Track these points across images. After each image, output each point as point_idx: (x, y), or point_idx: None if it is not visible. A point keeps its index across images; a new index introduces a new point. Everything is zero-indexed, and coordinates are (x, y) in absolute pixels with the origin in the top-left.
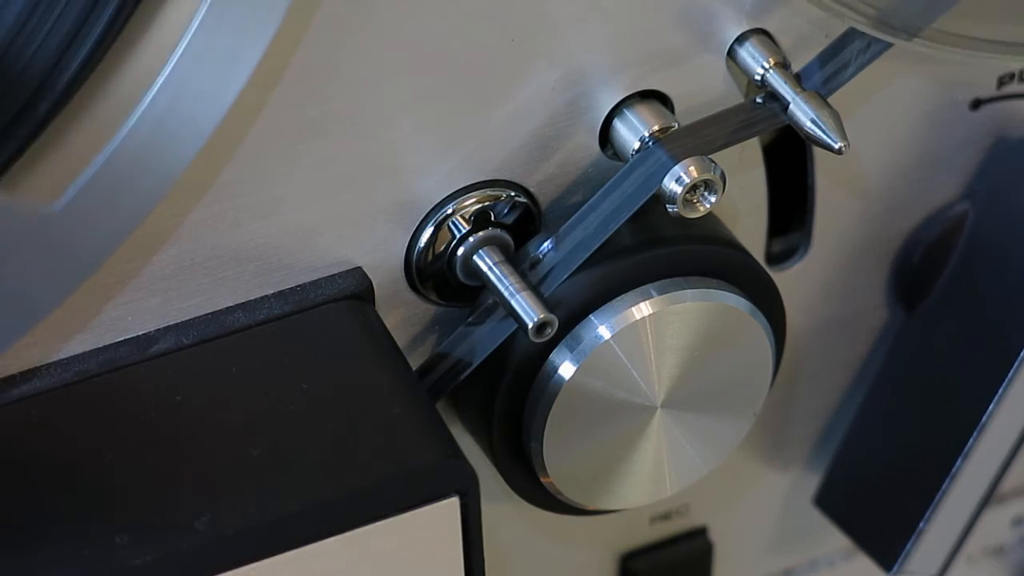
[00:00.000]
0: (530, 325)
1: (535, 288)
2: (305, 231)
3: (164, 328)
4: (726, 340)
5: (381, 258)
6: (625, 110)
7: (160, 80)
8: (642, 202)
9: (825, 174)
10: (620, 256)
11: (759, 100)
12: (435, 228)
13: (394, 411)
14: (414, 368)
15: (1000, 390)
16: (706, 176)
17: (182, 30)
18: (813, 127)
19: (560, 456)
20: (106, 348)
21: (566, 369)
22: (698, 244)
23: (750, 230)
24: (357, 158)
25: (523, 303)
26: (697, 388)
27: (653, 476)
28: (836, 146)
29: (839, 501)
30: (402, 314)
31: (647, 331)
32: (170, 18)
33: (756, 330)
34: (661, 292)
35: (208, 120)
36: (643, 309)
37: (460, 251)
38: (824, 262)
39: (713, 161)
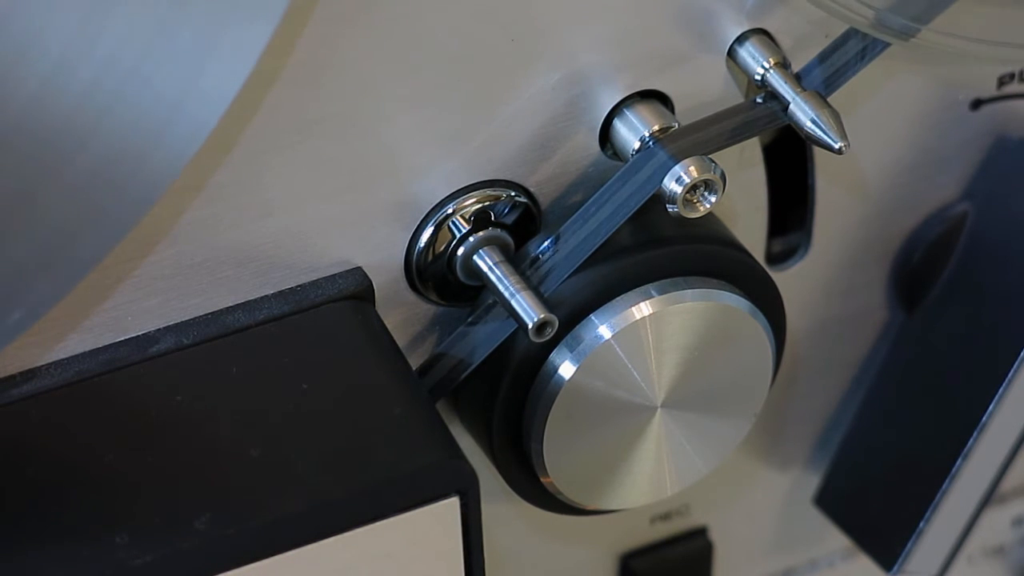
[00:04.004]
0: (530, 325)
1: (535, 288)
2: (305, 231)
3: (164, 328)
4: (726, 340)
5: (381, 258)
6: (625, 110)
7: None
8: (642, 202)
9: (825, 174)
10: (620, 256)
11: (759, 100)
12: (435, 228)
13: (394, 411)
14: (414, 368)
15: (1000, 390)
16: (706, 176)
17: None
18: (813, 127)
19: (560, 456)
20: (106, 348)
21: (566, 369)
22: (698, 244)
23: (750, 230)
24: (357, 158)
25: (523, 303)
26: (697, 388)
27: (653, 476)
28: (836, 146)
29: (839, 501)
30: (402, 314)
31: (647, 331)
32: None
33: (756, 330)
34: (661, 292)
35: (207, 119)
36: (643, 309)
37: (460, 251)
38: (824, 262)
39: (713, 161)
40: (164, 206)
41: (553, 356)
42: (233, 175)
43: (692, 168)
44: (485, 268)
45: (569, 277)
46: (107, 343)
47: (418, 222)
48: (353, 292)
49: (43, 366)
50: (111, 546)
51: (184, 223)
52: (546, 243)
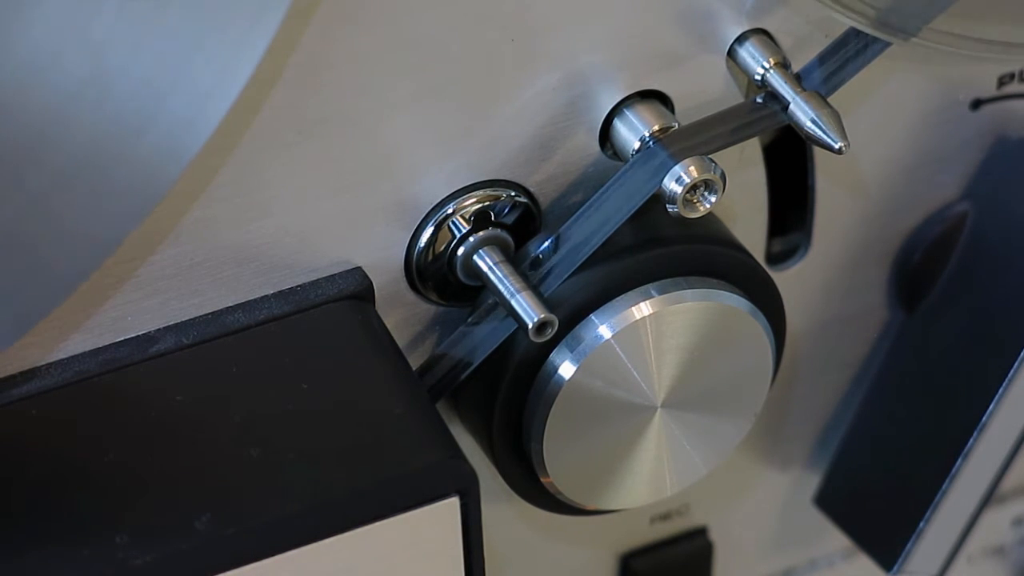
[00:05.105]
0: (530, 325)
1: (535, 288)
2: (305, 231)
3: (164, 328)
4: (726, 340)
5: (381, 258)
6: (625, 110)
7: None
8: (642, 202)
9: (825, 174)
10: (620, 256)
11: (759, 100)
12: (435, 228)
13: (394, 411)
14: (414, 368)
15: (1000, 390)
16: (706, 176)
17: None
18: (813, 127)
19: (560, 456)
20: (106, 348)
21: (566, 369)
22: (698, 244)
23: (750, 230)
24: (357, 158)
25: (523, 303)
26: (697, 388)
27: (653, 476)
28: (836, 146)
29: (839, 501)
30: (402, 314)
31: (647, 331)
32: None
33: (756, 330)
34: (661, 292)
35: (208, 120)
36: (643, 309)
37: (460, 251)
38: (824, 262)
39: (713, 161)
40: (165, 206)
41: (553, 356)
42: (234, 175)
43: (692, 168)
44: (485, 268)
45: (569, 277)
46: (107, 343)
47: (418, 222)
48: (353, 292)
49: (43, 366)
50: (111, 546)
51: (184, 223)
52: (546, 243)
